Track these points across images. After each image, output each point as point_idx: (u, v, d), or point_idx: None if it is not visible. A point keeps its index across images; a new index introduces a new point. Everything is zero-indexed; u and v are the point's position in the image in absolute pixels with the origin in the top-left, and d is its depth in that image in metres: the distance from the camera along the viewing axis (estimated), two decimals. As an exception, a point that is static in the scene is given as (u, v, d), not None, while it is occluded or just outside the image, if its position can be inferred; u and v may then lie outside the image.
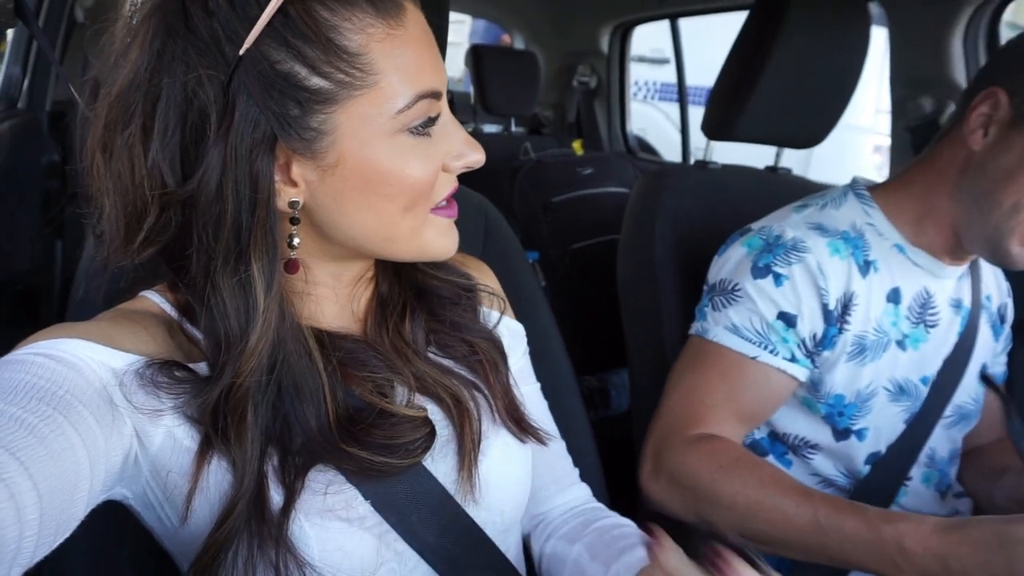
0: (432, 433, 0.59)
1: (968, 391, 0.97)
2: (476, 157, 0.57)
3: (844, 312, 0.88)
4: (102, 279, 0.67)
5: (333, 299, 0.62)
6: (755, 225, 0.96)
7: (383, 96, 0.50)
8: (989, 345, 1.01)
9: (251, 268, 0.51)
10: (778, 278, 0.88)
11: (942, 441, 0.97)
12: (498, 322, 0.71)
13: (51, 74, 1.94)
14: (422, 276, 0.66)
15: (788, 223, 0.92)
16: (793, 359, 0.88)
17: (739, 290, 0.90)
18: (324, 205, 0.54)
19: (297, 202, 0.53)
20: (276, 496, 0.53)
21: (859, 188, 0.96)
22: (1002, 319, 1.05)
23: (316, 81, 0.49)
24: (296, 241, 0.55)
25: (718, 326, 0.90)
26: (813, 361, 0.89)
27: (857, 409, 0.91)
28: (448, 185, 0.57)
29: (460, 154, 0.56)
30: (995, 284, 1.04)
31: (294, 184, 0.52)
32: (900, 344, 0.92)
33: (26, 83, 1.89)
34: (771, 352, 0.88)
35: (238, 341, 0.51)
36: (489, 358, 0.67)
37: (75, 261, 0.72)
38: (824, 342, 0.89)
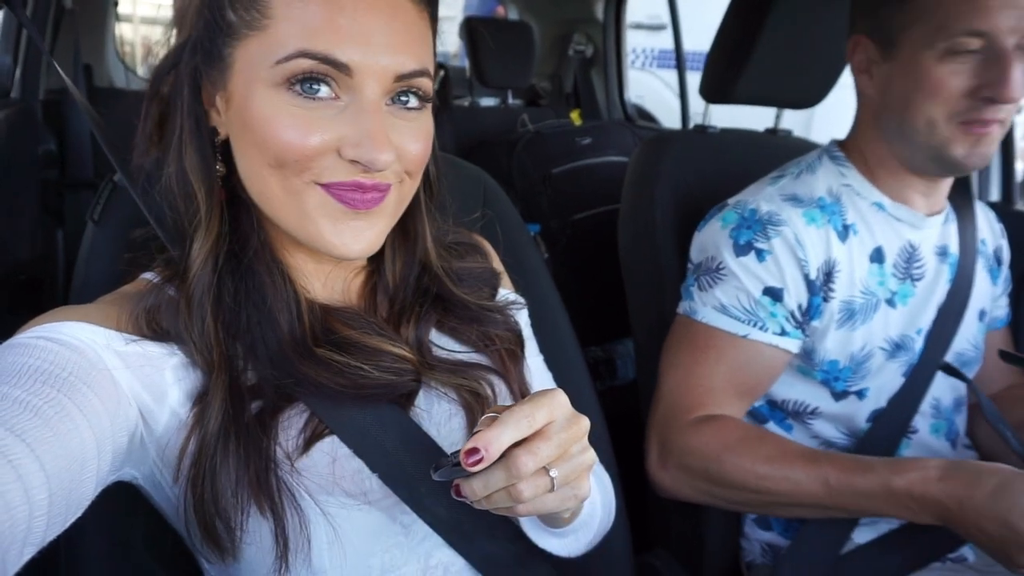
0: (417, 380, 0.60)
1: (967, 337, 0.97)
2: (372, 157, 0.52)
3: (827, 280, 0.89)
4: (103, 264, 0.67)
5: (319, 273, 0.62)
6: (731, 200, 0.96)
7: (269, 42, 0.51)
8: (987, 290, 1.01)
9: (183, 157, 0.56)
10: (760, 253, 0.88)
11: (945, 390, 0.97)
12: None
13: (42, 62, 1.92)
14: (445, 289, 0.66)
15: (763, 196, 0.92)
16: (783, 332, 0.89)
17: (723, 268, 0.90)
18: (232, 141, 0.56)
19: (217, 130, 0.57)
20: (253, 405, 0.55)
21: (833, 150, 0.96)
22: (999, 261, 1.05)
23: (229, 14, 0.52)
24: (219, 167, 0.57)
25: (706, 306, 0.90)
26: (803, 331, 0.90)
27: (852, 372, 0.91)
28: (341, 171, 0.53)
29: (358, 143, 0.52)
30: (988, 227, 1.05)
31: (216, 110, 0.56)
32: (890, 302, 0.92)
33: (18, 72, 1.87)
34: (761, 328, 0.88)
35: (183, 220, 0.57)
36: (508, 348, 0.67)
37: (77, 250, 0.72)
38: (810, 311, 0.89)
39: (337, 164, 0.53)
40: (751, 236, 0.89)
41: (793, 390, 0.94)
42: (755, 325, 0.88)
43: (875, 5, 0.86)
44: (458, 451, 0.45)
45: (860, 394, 0.92)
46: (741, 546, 1.03)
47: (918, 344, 0.93)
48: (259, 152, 0.53)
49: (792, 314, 0.89)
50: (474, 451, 0.44)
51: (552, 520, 0.61)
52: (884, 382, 0.92)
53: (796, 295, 0.88)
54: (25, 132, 1.80)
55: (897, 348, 0.92)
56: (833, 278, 0.89)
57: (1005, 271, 1.06)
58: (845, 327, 0.90)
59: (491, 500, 0.47)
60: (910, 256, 0.93)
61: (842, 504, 0.80)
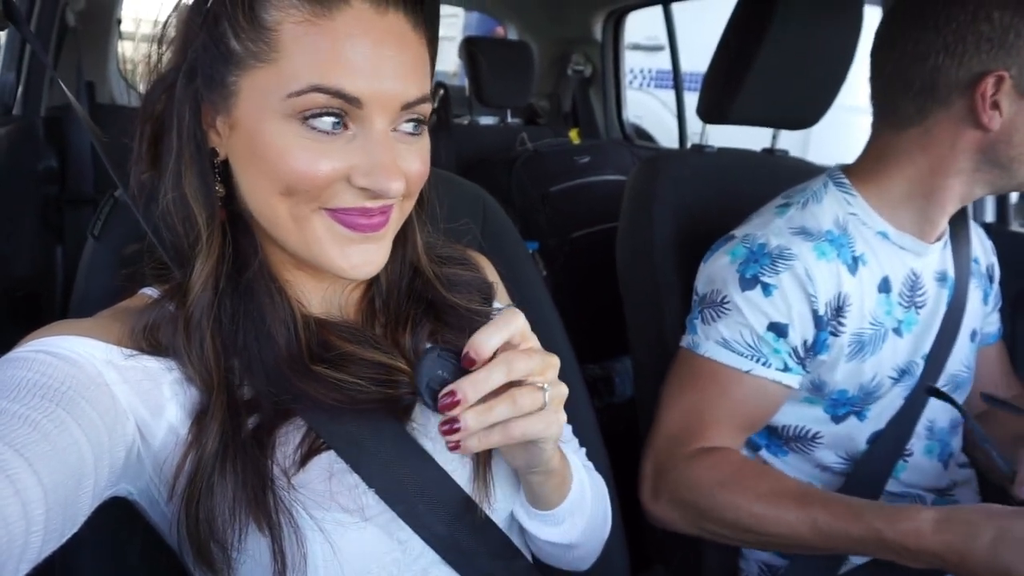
0: (414, 392, 0.60)
1: (960, 359, 0.97)
2: (384, 186, 0.52)
3: (837, 315, 0.88)
4: (103, 279, 0.68)
5: (317, 289, 0.63)
6: (738, 232, 0.95)
7: (280, 75, 0.51)
8: (979, 310, 1.02)
9: (183, 181, 0.55)
10: (767, 288, 0.87)
11: (940, 412, 0.97)
12: None
13: (45, 79, 1.93)
14: (438, 295, 0.66)
15: (771, 230, 0.91)
16: (786, 368, 0.88)
17: (728, 302, 0.89)
18: (232, 164, 0.56)
19: (216, 151, 0.56)
20: (250, 420, 0.55)
21: (838, 176, 0.95)
22: (991, 279, 1.06)
23: (233, 43, 0.52)
24: (219, 188, 0.57)
25: (708, 340, 0.90)
26: (805, 367, 0.89)
27: (860, 400, 0.91)
28: (349, 197, 0.54)
29: (369, 173, 0.53)
30: (980, 245, 1.05)
31: (216, 131, 0.55)
32: (896, 331, 0.92)
33: (20, 89, 1.89)
34: (764, 364, 0.88)
35: (185, 245, 0.56)
36: None
37: (76, 266, 0.73)
38: (816, 347, 0.88)
39: (346, 190, 0.54)
40: (757, 270, 0.88)
41: (792, 416, 0.94)
42: (758, 361, 0.88)
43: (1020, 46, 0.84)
44: (438, 349, 0.51)
45: (860, 415, 0.92)
46: (739, 566, 1.03)
47: (921, 369, 0.93)
48: (269, 181, 0.53)
49: (795, 350, 0.88)
50: (467, 355, 0.49)
51: (542, 500, 0.62)
52: (886, 405, 0.92)
53: (801, 331, 0.87)
54: (26, 148, 1.81)
55: (903, 374, 0.92)
56: (844, 312, 0.88)
57: (996, 288, 1.07)
58: (856, 359, 0.89)
59: (488, 435, 0.49)
60: (913, 284, 0.93)
61: (833, 547, 0.79)
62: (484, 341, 0.49)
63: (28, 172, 1.81)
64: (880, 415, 0.93)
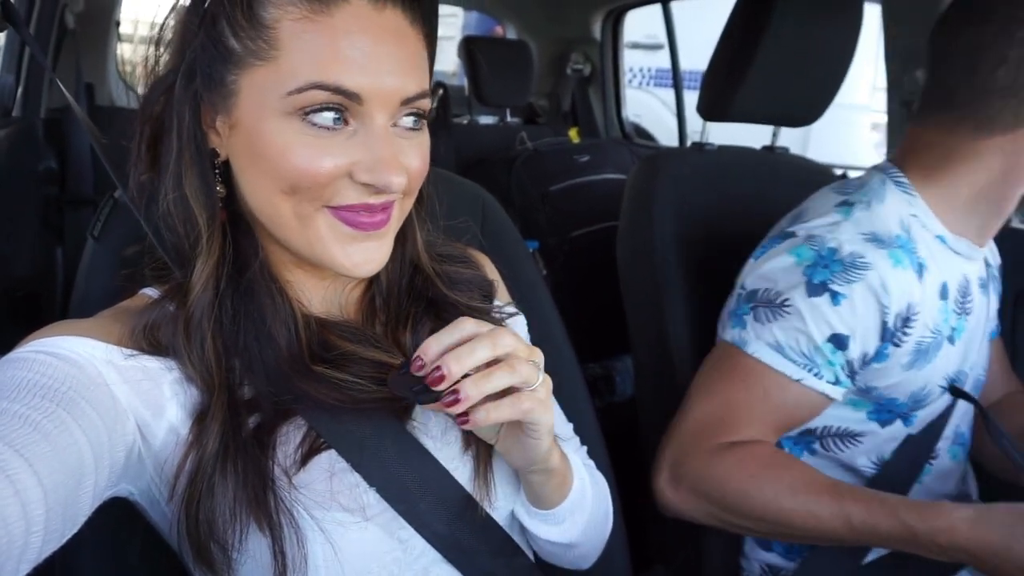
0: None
1: (980, 362, 0.96)
2: (386, 181, 0.53)
3: (904, 324, 0.85)
4: (103, 280, 0.68)
5: (318, 288, 0.62)
6: (800, 231, 0.89)
7: (279, 73, 0.51)
8: (994, 311, 1.01)
9: (183, 182, 0.55)
10: (835, 296, 0.83)
11: (966, 415, 0.96)
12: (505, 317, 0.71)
13: (44, 81, 1.93)
14: (438, 293, 0.66)
15: (843, 234, 0.85)
16: (836, 382, 0.85)
17: (789, 305, 0.85)
18: (233, 164, 0.56)
19: (217, 151, 0.56)
20: (251, 419, 0.55)
21: (896, 175, 0.90)
22: (998, 279, 1.05)
23: (232, 42, 0.52)
24: (219, 188, 0.57)
25: (759, 340, 0.86)
26: (854, 380, 0.87)
27: (908, 407, 0.89)
28: (352, 194, 0.54)
29: (371, 168, 0.53)
30: (988, 246, 1.05)
31: (216, 132, 0.55)
32: (950, 339, 0.90)
33: (20, 90, 1.89)
34: (816, 375, 0.84)
35: (186, 246, 0.56)
36: None
37: (76, 266, 0.73)
38: (876, 357, 0.85)
39: (349, 187, 0.54)
40: (828, 276, 0.83)
41: (834, 417, 0.91)
42: (810, 371, 0.84)
43: None
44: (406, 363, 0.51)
45: (906, 419, 0.90)
46: (741, 566, 1.02)
47: (966, 376, 0.92)
48: (271, 180, 0.53)
49: (850, 363, 0.85)
50: (417, 359, 0.50)
51: (543, 499, 0.62)
52: (932, 411, 0.91)
53: (863, 343, 0.84)
54: (26, 149, 1.82)
55: (952, 383, 0.91)
56: (911, 322, 0.85)
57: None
58: (912, 370, 0.87)
59: (499, 406, 0.50)
60: (965, 290, 0.91)
61: (863, 541, 0.78)
62: (431, 344, 0.50)
63: (28, 173, 1.81)
64: (925, 420, 0.91)
